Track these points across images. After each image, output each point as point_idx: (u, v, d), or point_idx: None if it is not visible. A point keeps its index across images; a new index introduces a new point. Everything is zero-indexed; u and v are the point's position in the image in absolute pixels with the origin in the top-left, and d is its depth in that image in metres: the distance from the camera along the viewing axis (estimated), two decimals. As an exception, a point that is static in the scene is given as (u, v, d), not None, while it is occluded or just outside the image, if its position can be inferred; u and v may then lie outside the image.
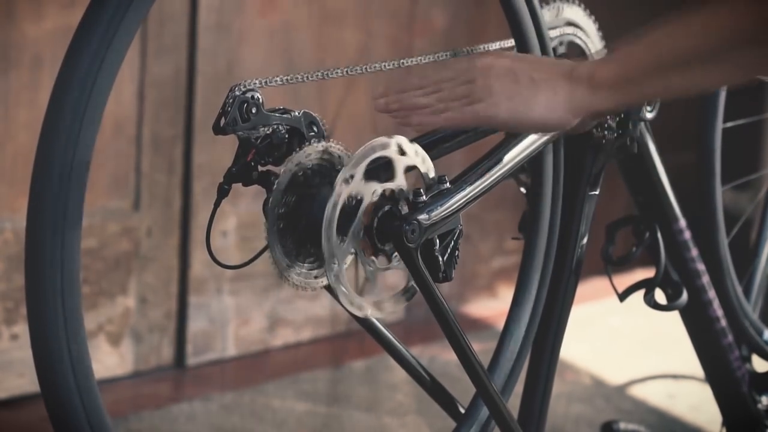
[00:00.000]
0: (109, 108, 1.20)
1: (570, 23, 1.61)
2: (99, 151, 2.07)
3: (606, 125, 1.58)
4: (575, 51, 1.63)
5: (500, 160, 1.43)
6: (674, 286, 1.72)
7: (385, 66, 1.41)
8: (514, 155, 1.45)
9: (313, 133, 1.34)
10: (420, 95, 1.33)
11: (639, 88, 1.31)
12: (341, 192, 1.30)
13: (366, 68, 1.40)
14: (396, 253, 1.36)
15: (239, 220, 2.61)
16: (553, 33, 1.57)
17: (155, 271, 2.51)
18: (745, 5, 1.20)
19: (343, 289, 1.35)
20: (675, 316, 1.82)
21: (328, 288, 1.35)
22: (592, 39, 1.63)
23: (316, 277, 1.36)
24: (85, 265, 2.36)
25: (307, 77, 1.34)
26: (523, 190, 1.60)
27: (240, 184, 1.33)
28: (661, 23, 1.29)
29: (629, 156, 1.63)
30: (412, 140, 1.37)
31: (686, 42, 1.26)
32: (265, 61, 2.59)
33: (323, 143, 1.34)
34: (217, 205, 1.32)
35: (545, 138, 1.48)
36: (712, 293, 1.82)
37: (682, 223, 1.75)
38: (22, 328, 2.31)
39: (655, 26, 1.29)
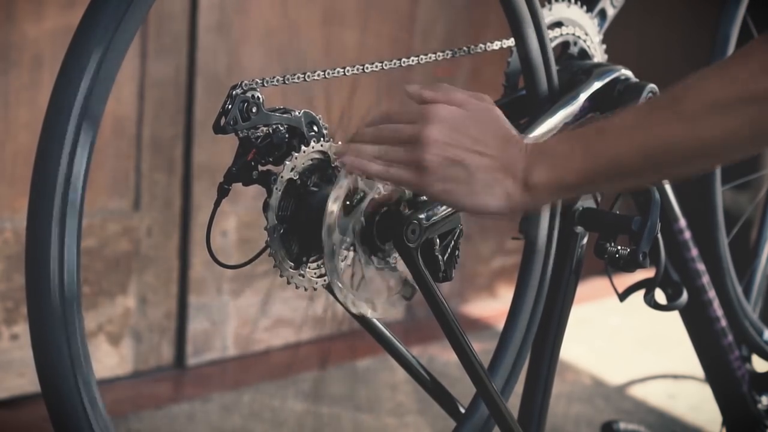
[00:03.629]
0: (109, 108, 1.20)
1: (570, 23, 1.62)
2: (99, 151, 2.07)
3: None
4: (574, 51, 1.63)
5: (500, 160, 1.43)
6: (674, 286, 1.72)
7: (385, 66, 1.41)
8: (514, 155, 1.44)
9: (313, 133, 1.34)
10: (369, 147, 1.31)
11: (586, 190, 1.31)
12: (341, 192, 1.30)
13: (366, 68, 1.40)
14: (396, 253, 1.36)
15: (239, 220, 2.61)
16: (553, 33, 1.57)
17: (155, 271, 2.51)
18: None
19: (344, 288, 1.35)
20: (675, 316, 1.82)
21: (329, 288, 1.35)
22: (591, 38, 1.63)
23: (316, 277, 1.36)
24: (85, 265, 2.36)
25: (307, 77, 1.34)
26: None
27: (240, 183, 1.33)
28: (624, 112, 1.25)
29: (629, 156, 1.63)
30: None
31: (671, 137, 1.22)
32: (265, 61, 2.59)
33: (323, 143, 1.34)
34: (217, 204, 1.32)
35: (546, 137, 1.48)
36: (712, 293, 1.82)
37: (682, 223, 1.75)
38: (22, 328, 2.31)
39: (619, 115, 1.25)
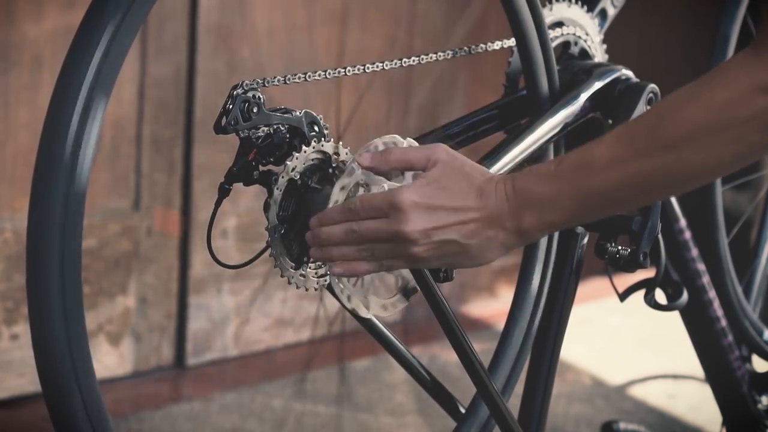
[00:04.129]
0: (109, 108, 1.20)
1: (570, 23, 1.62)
2: (99, 151, 2.07)
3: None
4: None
5: (500, 159, 1.43)
6: (674, 286, 1.72)
7: (385, 66, 1.41)
8: (514, 155, 1.45)
9: (314, 133, 1.34)
10: (353, 248, 1.27)
11: (579, 223, 1.31)
12: (342, 192, 1.30)
13: (366, 68, 1.40)
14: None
15: (239, 220, 2.61)
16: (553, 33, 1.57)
17: (155, 271, 2.51)
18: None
19: (344, 288, 1.35)
20: (675, 316, 1.82)
21: (329, 288, 1.35)
22: (592, 38, 1.63)
23: (316, 277, 1.36)
24: (85, 265, 2.35)
25: (307, 77, 1.34)
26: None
27: (241, 183, 1.33)
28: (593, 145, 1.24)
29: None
30: (415, 138, 1.37)
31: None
32: (265, 61, 2.59)
33: (324, 143, 1.34)
34: (218, 204, 1.32)
35: (546, 137, 1.48)
36: (712, 293, 1.82)
37: (682, 223, 1.75)
38: (23, 328, 2.31)
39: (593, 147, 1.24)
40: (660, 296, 1.69)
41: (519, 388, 1.57)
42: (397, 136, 1.34)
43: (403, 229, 1.25)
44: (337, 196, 1.30)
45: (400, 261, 1.27)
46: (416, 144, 1.35)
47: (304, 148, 1.32)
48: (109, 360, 2.46)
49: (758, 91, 1.15)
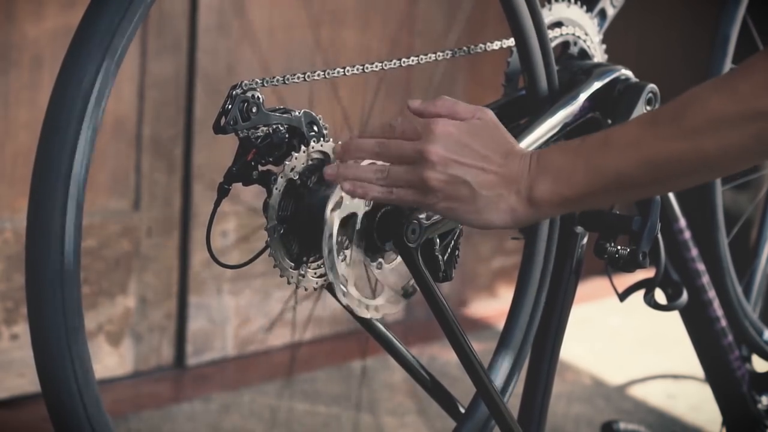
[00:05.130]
0: (109, 108, 1.20)
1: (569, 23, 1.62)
2: (99, 151, 2.08)
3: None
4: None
5: (500, 159, 1.43)
6: (674, 286, 1.72)
7: (385, 66, 1.41)
8: (514, 155, 1.44)
9: (313, 133, 1.34)
10: (368, 168, 1.29)
11: (589, 204, 1.31)
12: (342, 192, 1.30)
13: (366, 68, 1.40)
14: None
15: (239, 220, 2.61)
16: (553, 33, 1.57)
17: (155, 271, 2.51)
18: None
19: (343, 288, 1.35)
20: (675, 316, 1.82)
21: (329, 287, 1.35)
22: (591, 38, 1.63)
23: (316, 277, 1.36)
24: (85, 265, 2.36)
25: (308, 77, 1.34)
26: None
27: (240, 183, 1.33)
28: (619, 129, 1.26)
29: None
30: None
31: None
32: (265, 61, 2.59)
33: (323, 143, 1.34)
34: (217, 204, 1.32)
35: (545, 138, 1.48)
36: (712, 293, 1.82)
37: (682, 223, 1.75)
38: (22, 328, 2.31)
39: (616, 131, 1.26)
40: (660, 296, 1.69)
41: (519, 388, 1.57)
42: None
43: (428, 149, 1.26)
44: (330, 214, 1.30)
45: (411, 191, 1.28)
46: None
47: (303, 148, 1.32)
48: (109, 360, 2.46)
49: None
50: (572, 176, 1.26)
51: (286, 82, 1.33)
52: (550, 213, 1.30)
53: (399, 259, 1.38)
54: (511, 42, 1.53)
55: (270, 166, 1.33)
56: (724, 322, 1.85)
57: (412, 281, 1.38)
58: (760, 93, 1.17)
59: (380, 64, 1.41)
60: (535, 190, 1.27)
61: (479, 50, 1.51)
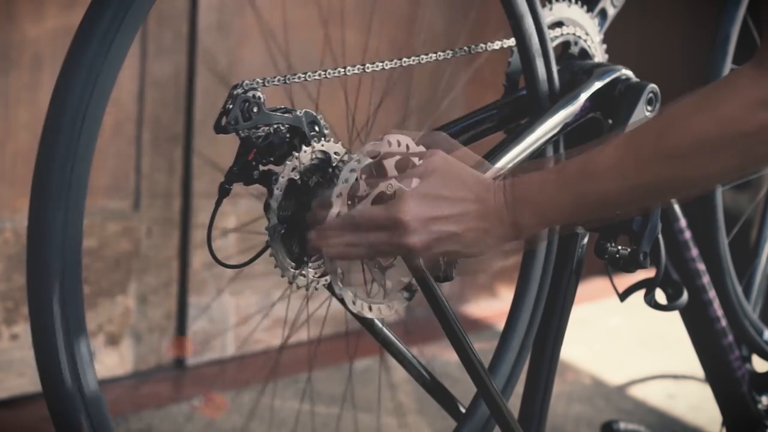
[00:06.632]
0: (109, 108, 1.20)
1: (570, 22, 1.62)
2: (99, 151, 2.06)
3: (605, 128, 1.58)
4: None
5: (500, 159, 1.43)
6: (674, 286, 1.72)
7: (385, 66, 1.41)
8: (514, 155, 1.45)
9: (314, 133, 1.34)
10: (351, 238, 1.28)
11: (576, 224, 1.31)
12: (342, 191, 1.30)
13: (366, 68, 1.40)
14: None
15: (239, 220, 2.61)
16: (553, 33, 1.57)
17: (155, 271, 2.51)
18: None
19: (344, 288, 1.35)
20: (675, 316, 1.82)
21: (330, 287, 1.35)
22: (592, 38, 1.63)
23: (317, 277, 1.36)
24: (85, 265, 2.35)
25: (308, 77, 1.34)
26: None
27: (241, 183, 1.33)
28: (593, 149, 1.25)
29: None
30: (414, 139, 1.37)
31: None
32: (265, 61, 2.59)
33: (324, 143, 1.34)
34: (218, 204, 1.32)
35: (546, 137, 1.48)
36: (712, 293, 1.82)
37: (682, 223, 1.75)
38: (23, 328, 2.31)
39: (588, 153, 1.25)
40: (660, 296, 1.69)
41: (519, 387, 1.57)
42: (404, 132, 1.34)
43: (401, 217, 1.26)
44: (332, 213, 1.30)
45: (396, 251, 1.28)
46: (419, 135, 1.36)
47: (304, 147, 1.32)
48: (109, 360, 2.46)
49: (762, 106, 1.16)
50: (557, 206, 1.26)
51: (287, 81, 1.33)
52: (537, 234, 1.31)
53: (399, 259, 1.38)
54: (511, 42, 1.53)
55: (271, 166, 1.33)
56: (724, 322, 1.85)
57: (413, 281, 1.38)
58: (743, 114, 1.16)
59: (380, 64, 1.41)
60: (519, 219, 1.28)
61: (480, 50, 1.51)
